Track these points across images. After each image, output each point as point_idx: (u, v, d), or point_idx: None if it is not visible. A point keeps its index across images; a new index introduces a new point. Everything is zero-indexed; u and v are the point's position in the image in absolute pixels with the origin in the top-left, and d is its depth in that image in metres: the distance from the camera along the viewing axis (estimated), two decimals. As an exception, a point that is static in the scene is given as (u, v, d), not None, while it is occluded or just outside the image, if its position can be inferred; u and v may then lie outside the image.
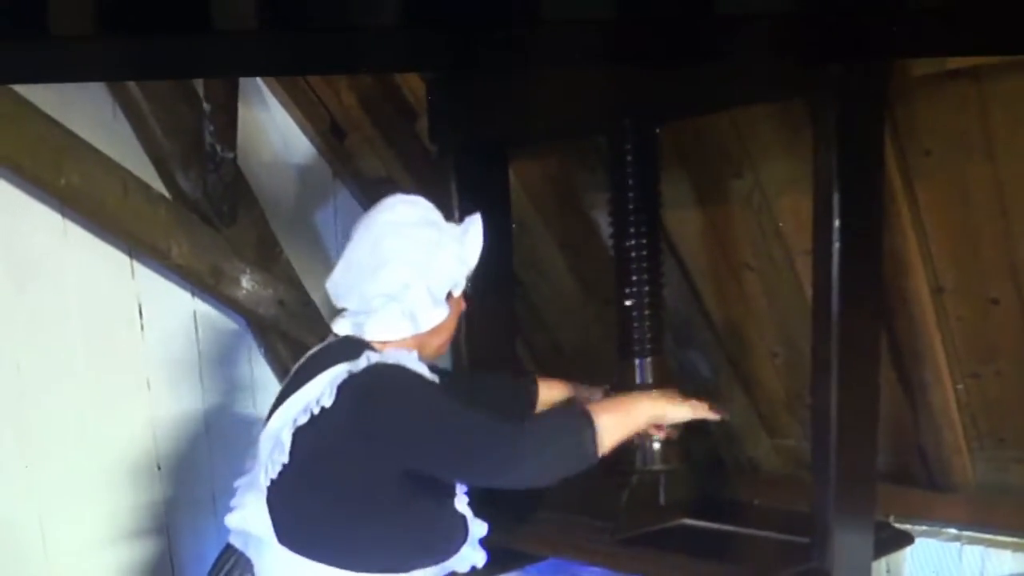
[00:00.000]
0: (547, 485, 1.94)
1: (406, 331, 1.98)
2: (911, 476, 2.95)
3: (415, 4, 1.69)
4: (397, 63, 2.30)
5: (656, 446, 2.44)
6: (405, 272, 1.94)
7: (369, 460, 1.86)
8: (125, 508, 3.08)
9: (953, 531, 2.90)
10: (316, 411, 1.86)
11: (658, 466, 2.47)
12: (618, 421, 1.97)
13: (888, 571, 2.94)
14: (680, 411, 2.12)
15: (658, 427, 2.19)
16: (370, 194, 3.43)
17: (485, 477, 1.94)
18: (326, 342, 2.06)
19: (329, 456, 1.87)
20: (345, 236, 3.36)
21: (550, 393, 2.43)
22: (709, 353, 3.18)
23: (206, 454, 3.20)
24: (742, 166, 2.73)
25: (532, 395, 2.39)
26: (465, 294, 2.09)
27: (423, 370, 1.96)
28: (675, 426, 2.25)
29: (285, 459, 1.88)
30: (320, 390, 1.89)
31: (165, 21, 1.70)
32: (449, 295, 2.02)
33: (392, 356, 1.94)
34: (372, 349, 1.96)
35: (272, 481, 1.90)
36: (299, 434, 1.88)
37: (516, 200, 2.96)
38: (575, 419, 1.93)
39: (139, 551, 3.11)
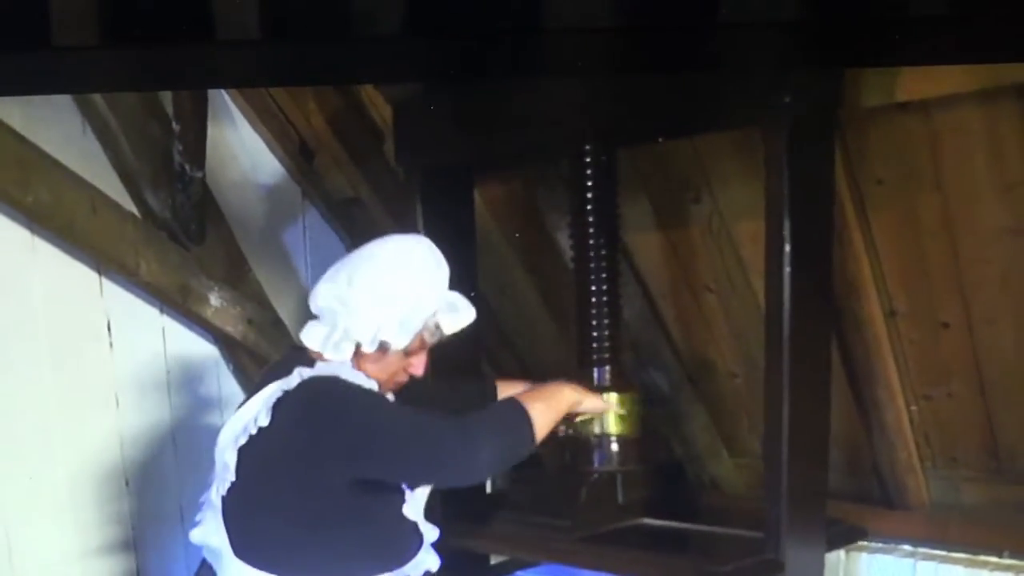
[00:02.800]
0: (492, 476, 1.98)
1: (341, 349, 1.97)
2: (867, 494, 3.00)
3: (400, 16, 1.76)
4: (385, 74, 2.33)
5: (614, 447, 2.51)
6: (378, 286, 1.94)
7: (314, 475, 1.88)
8: (93, 523, 3.09)
9: (908, 547, 2.95)
10: (254, 431, 1.89)
11: (615, 467, 2.53)
12: (548, 407, 2.06)
13: (844, 587, 3.00)
14: (594, 401, 2.26)
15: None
16: (338, 214, 3.48)
17: (432, 476, 1.98)
18: (276, 361, 2.09)
19: (274, 473, 1.90)
20: (314, 255, 3.48)
21: (511, 392, 2.47)
22: (670, 372, 3.23)
23: (174, 470, 3.22)
24: (701, 191, 2.79)
25: (491, 395, 2.41)
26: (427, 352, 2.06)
27: (360, 379, 1.96)
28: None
29: (232, 478, 1.92)
30: (256, 410, 1.91)
31: (164, 32, 1.75)
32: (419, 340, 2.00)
33: (325, 368, 1.95)
34: (311, 363, 1.98)
35: (223, 498, 1.94)
36: (242, 453, 1.91)
37: (481, 221, 3.00)
38: (512, 410, 2.00)
39: (107, 566, 3.12)
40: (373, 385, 1.98)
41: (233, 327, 3.20)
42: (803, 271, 2.14)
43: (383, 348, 1.96)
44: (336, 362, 1.97)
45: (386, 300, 1.94)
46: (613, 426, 2.52)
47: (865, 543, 2.94)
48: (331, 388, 1.92)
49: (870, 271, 2.66)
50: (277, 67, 1.95)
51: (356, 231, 3.45)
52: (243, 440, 1.91)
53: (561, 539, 2.44)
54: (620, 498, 2.54)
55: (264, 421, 1.88)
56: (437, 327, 2.00)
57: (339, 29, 1.76)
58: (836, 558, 2.97)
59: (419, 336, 1.99)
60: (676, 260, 3.04)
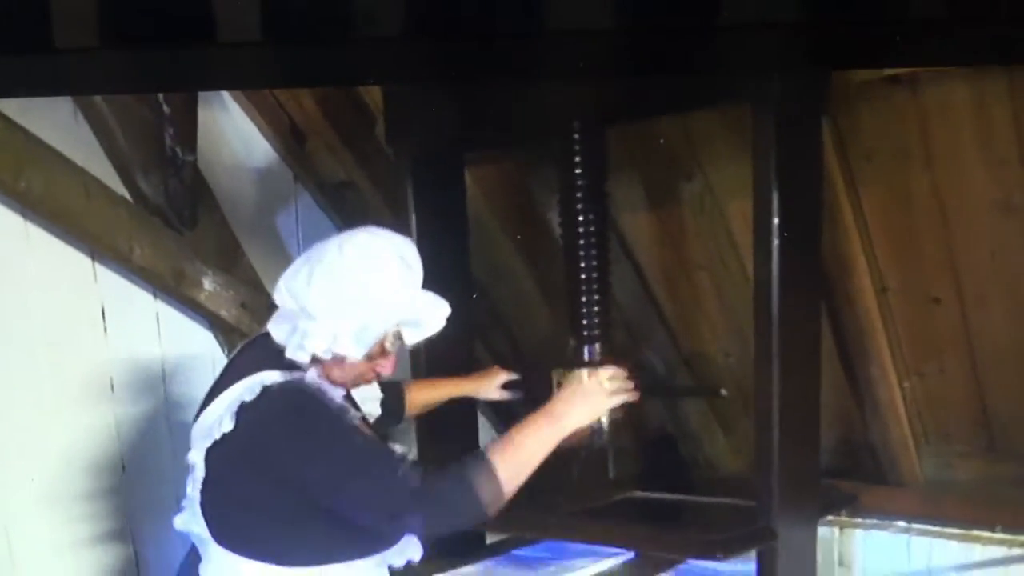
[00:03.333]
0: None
1: (298, 354, 1.92)
2: (861, 471, 3.02)
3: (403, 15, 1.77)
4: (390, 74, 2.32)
5: (604, 422, 2.51)
6: (336, 292, 1.88)
7: (280, 479, 1.88)
8: (90, 510, 3.09)
9: (902, 524, 2.96)
10: (218, 436, 1.88)
11: (607, 441, 2.54)
12: (529, 456, 1.94)
13: (841, 563, 3.00)
14: (610, 403, 2.16)
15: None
16: (330, 197, 3.48)
17: (373, 523, 1.93)
18: (252, 337, 2.09)
19: (243, 475, 1.90)
20: (306, 238, 3.47)
21: (432, 393, 2.47)
22: (664, 352, 3.24)
23: (170, 455, 3.22)
24: (692, 169, 2.79)
25: (397, 403, 2.39)
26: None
27: (324, 391, 1.92)
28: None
29: (202, 475, 1.92)
30: (220, 414, 1.89)
31: (166, 34, 1.77)
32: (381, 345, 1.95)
33: (288, 377, 1.91)
34: (280, 360, 1.93)
35: (200, 491, 1.95)
36: (210, 453, 1.91)
37: (473, 202, 3.01)
38: (474, 475, 1.87)
39: (105, 553, 3.13)
40: (338, 394, 1.95)
41: (227, 311, 3.20)
42: (792, 246, 2.15)
43: (338, 359, 1.93)
44: (310, 370, 1.94)
45: (343, 309, 1.87)
46: None
47: (859, 519, 2.96)
48: (291, 407, 1.88)
49: (861, 247, 2.66)
50: (275, 69, 1.97)
51: (348, 214, 3.46)
52: (208, 443, 1.90)
53: (554, 515, 2.45)
54: (612, 472, 2.55)
55: (228, 427, 1.87)
56: (398, 336, 1.94)
57: (334, 30, 1.77)
58: (831, 534, 2.99)
59: (379, 345, 1.94)
60: (668, 239, 3.05)
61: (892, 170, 2.49)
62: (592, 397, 2.12)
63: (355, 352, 1.90)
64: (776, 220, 2.10)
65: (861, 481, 3.00)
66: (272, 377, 1.90)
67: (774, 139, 2.11)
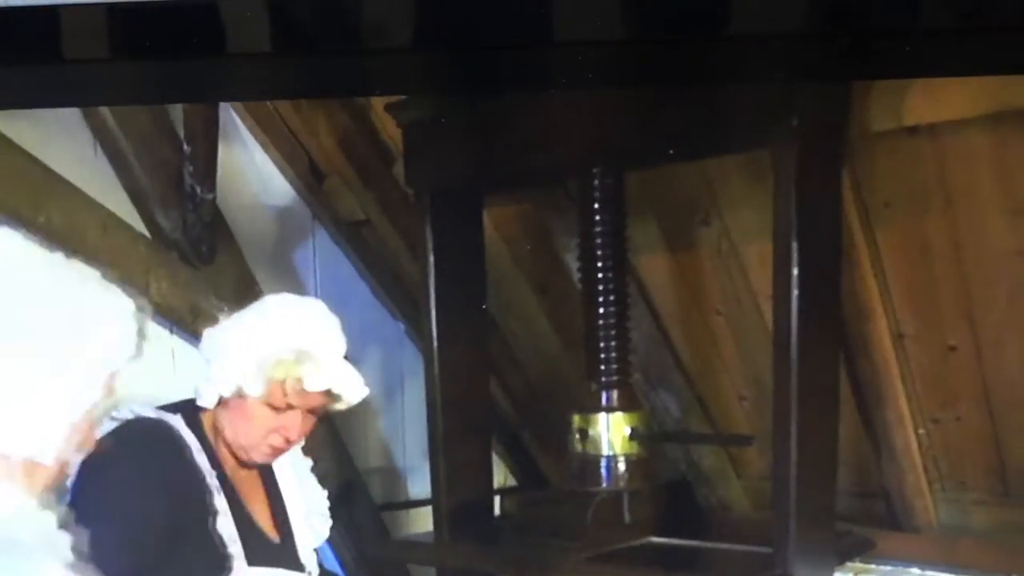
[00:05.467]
0: None
1: (205, 388, 1.94)
2: (875, 517, 3.00)
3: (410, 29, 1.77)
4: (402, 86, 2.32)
5: (621, 467, 2.51)
6: (233, 329, 1.95)
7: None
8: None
9: (916, 571, 2.94)
10: None
11: (623, 486, 2.53)
12: None
13: (851, 607, 2.98)
14: None
15: None
16: (348, 235, 3.49)
17: None
18: None
19: None
20: (324, 276, 3.48)
21: None
22: (679, 394, 3.24)
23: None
24: (709, 214, 2.80)
25: None
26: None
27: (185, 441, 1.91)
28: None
29: None
30: None
31: (177, 45, 1.77)
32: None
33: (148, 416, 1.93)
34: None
35: None
36: None
37: (490, 241, 3.01)
38: None
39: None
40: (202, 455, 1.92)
41: (242, 347, 3.20)
42: (811, 294, 2.16)
43: (240, 398, 1.91)
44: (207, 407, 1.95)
45: (238, 343, 1.93)
46: (620, 446, 2.53)
47: (873, 565, 2.93)
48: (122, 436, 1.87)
49: (878, 293, 2.66)
50: (287, 80, 1.98)
51: (366, 253, 3.46)
52: None
53: (568, 559, 2.44)
54: (627, 517, 2.54)
55: None
56: (299, 382, 1.89)
57: (349, 42, 1.76)
58: (845, 581, 2.97)
59: (279, 387, 1.89)
60: (684, 283, 3.05)
61: (910, 218, 2.49)
62: None
63: (251, 384, 1.88)
64: (796, 270, 2.11)
65: (875, 527, 2.98)
66: (135, 412, 1.92)
67: (794, 185, 2.12)
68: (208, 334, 1.99)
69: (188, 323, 3.11)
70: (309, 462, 2.15)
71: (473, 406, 2.79)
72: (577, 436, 2.57)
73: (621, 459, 2.52)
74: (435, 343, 2.70)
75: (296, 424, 1.92)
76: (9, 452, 1.26)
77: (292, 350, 1.90)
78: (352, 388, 1.93)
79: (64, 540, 1.30)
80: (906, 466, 2.85)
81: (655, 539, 2.56)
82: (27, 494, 1.28)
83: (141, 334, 1.39)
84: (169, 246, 3.06)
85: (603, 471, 2.53)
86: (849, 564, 2.95)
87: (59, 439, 1.28)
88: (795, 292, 2.13)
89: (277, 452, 1.97)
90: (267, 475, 2.07)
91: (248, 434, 1.92)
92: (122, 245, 2.96)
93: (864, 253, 2.61)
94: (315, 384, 1.89)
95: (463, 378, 2.85)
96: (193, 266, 3.09)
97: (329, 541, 2.29)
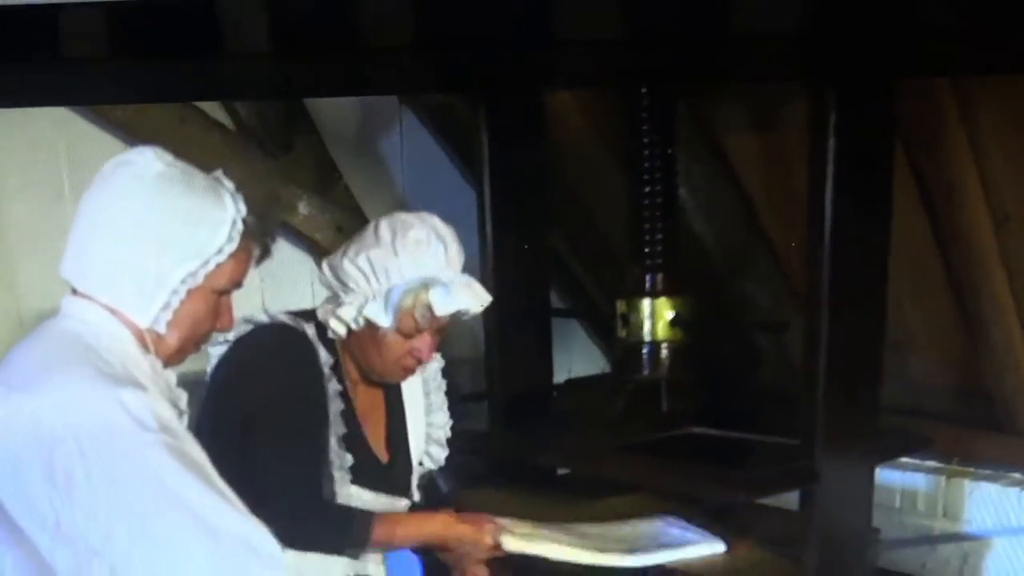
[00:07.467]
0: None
1: (336, 320, 1.95)
2: (974, 418, 2.79)
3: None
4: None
5: (664, 354, 2.39)
6: (364, 260, 1.92)
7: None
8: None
9: (1017, 475, 2.74)
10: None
11: (663, 374, 2.44)
12: (400, 533, 1.92)
13: (945, 514, 2.80)
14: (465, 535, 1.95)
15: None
16: (436, 118, 3.40)
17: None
18: None
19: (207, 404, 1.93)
20: (411, 162, 3.41)
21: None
22: (771, 284, 3.06)
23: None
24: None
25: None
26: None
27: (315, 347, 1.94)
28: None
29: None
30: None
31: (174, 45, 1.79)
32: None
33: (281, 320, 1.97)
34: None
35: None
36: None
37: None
38: (352, 526, 1.86)
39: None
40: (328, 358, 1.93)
41: (322, 234, 3.20)
42: (851, 161, 1.99)
43: (372, 327, 1.90)
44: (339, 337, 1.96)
45: (369, 275, 1.89)
46: (662, 332, 2.41)
47: (970, 468, 2.74)
48: (263, 346, 1.92)
49: (976, 174, 2.43)
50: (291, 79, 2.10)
51: (454, 136, 3.38)
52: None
53: (599, 448, 2.36)
54: (664, 406, 2.44)
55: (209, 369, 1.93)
56: (428, 308, 1.89)
57: (348, 41, 1.87)
58: (935, 484, 2.79)
59: (409, 315, 1.90)
60: (777, 162, 2.85)
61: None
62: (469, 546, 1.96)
63: (382, 317, 1.88)
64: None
65: (974, 428, 2.77)
66: (249, 326, 1.93)
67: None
68: (329, 264, 1.96)
69: (266, 211, 3.12)
70: (444, 384, 2.16)
71: (533, 313, 2.65)
72: (620, 322, 2.46)
73: (664, 346, 2.41)
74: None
75: (427, 344, 1.94)
76: (137, 320, 1.50)
77: (419, 279, 1.89)
78: (479, 302, 1.93)
79: (183, 397, 1.57)
80: (1007, 363, 2.62)
81: (696, 429, 2.43)
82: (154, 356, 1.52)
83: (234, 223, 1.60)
84: (246, 134, 3.07)
85: (644, 358, 2.42)
86: (941, 466, 2.77)
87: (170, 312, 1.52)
88: (831, 153, 1.95)
89: (409, 372, 2.00)
90: (392, 394, 2.09)
91: (380, 358, 1.95)
92: (198, 135, 2.98)
93: (959, 130, 2.37)
94: (445, 309, 1.89)
95: (519, 285, 2.66)
96: (271, 155, 3.10)
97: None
